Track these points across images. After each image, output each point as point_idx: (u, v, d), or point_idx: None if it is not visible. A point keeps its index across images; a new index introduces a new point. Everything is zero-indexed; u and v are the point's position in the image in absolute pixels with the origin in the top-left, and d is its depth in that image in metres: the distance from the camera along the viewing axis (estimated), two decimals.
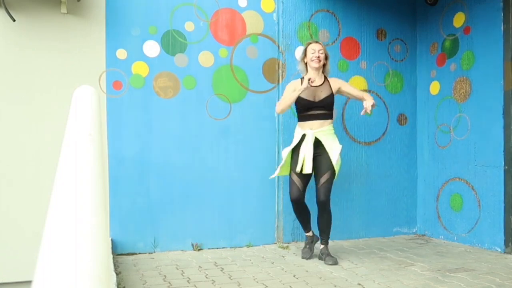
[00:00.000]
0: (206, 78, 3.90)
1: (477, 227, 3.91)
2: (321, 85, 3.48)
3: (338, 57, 4.28)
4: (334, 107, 3.54)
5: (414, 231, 4.58)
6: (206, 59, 3.90)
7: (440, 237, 4.30)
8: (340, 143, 4.20)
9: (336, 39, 4.28)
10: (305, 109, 3.44)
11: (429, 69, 4.45)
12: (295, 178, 3.43)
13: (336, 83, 3.55)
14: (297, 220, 3.63)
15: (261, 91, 4.04)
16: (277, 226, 4.07)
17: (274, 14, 4.09)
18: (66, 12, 3.51)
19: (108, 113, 3.64)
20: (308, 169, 3.35)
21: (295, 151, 3.46)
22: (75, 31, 3.55)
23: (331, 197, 3.42)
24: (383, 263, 3.40)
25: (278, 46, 4.09)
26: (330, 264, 3.31)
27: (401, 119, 4.54)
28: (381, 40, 4.47)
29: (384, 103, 4.46)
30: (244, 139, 3.99)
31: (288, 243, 4.04)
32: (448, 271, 3.13)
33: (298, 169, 3.39)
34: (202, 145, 3.88)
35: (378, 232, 4.41)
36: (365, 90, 4.36)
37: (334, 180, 3.44)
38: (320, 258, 3.47)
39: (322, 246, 3.49)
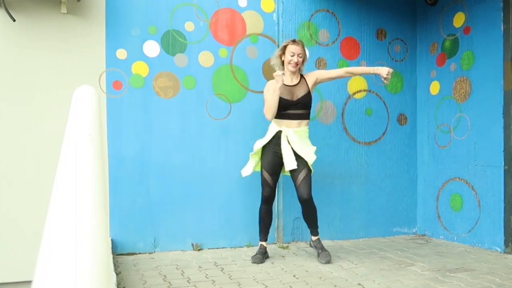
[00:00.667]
0: (206, 78, 3.90)
1: (477, 227, 3.91)
2: (297, 84, 3.45)
3: (338, 57, 4.28)
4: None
5: (414, 231, 4.58)
6: (206, 59, 3.90)
7: (440, 237, 4.30)
8: (340, 143, 4.25)
9: (336, 39, 4.27)
10: (283, 108, 3.40)
11: (429, 69, 4.45)
12: (267, 176, 3.41)
13: (311, 77, 3.48)
14: (258, 219, 3.53)
15: (261, 91, 4.03)
16: (277, 226, 4.07)
17: (274, 14, 4.09)
18: (66, 12, 3.51)
19: (108, 113, 3.64)
20: (292, 165, 3.29)
21: (266, 148, 3.42)
22: (75, 31, 3.55)
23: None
24: (383, 263, 3.40)
25: (278, 46, 4.09)
26: (324, 263, 3.31)
27: (401, 119, 4.54)
28: (381, 40, 4.47)
29: (384, 103, 4.46)
30: (244, 139, 3.98)
31: (288, 243, 4.04)
32: (448, 271, 3.13)
33: (288, 169, 3.34)
34: (202, 145, 3.88)
35: (378, 232, 4.41)
36: (365, 90, 4.37)
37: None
38: (314, 248, 3.50)
39: (315, 238, 3.50)
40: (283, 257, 3.59)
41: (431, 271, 3.14)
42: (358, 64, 4.35)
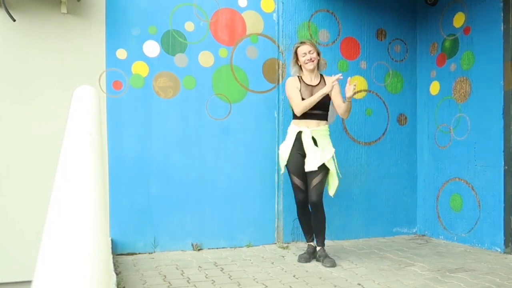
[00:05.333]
0: (206, 78, 3.90)
1: (477, 227, 3.91)
2: (317, 84, 3.46)
3: (338, 57, 4.28)
4: (333, 106, 3.51)
5: (414, 231, 4.58)
6: (206, 59, 3.90)
7: (440, 237, 4.30)
8: (340, 143, 4.23)
9: (336, 39, 4.27)
10: None
11: (429, 69, 4.45)
12: (297, 180, 3.41)
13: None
14: (299, 223, 3.58)
15: (261, 91, 4.03)
16: (277, 226, 4.07)
17: (274, 14, 4.09)
18: (66, 12, 3.51)
19: (108, 113, 3.64)
20: (311, 167, 3.29)
21: (291, 151, 3.41)
22: (75, 31, 3.55)
23: (325, 197, 3.39)
24: (383, 263, 3.40)
25: (278, 46, 4.09)
26: (329, 267, 3.28)
27: (401, 119, 4.54)
28: (381, 40, 4.47)
29: (384, 103, 4.46)
30: (244, 139, 3.98)
31: (288, 243, 4.04)
32: (448, 271, 3.13)
33: (307, 169, 3.32)
34: (202, 145, 3.88)
35: (378, 232, 4.41)
36: (365, 90, 4.37)
37: (338, 186, 3.41)
38: (317, 260, 3.45)
39: (319, 248, 3.45)
40: (283, 257, 3.59)
41: (431, 271, 3.14)
42: (358, 64, 4.35)
